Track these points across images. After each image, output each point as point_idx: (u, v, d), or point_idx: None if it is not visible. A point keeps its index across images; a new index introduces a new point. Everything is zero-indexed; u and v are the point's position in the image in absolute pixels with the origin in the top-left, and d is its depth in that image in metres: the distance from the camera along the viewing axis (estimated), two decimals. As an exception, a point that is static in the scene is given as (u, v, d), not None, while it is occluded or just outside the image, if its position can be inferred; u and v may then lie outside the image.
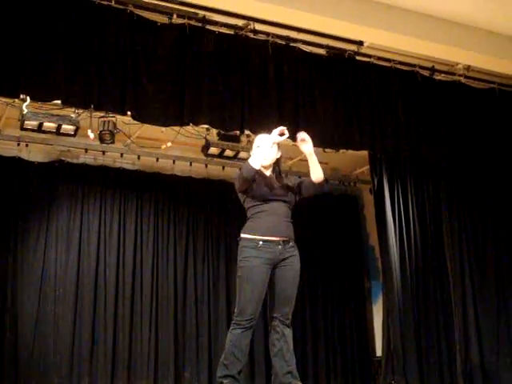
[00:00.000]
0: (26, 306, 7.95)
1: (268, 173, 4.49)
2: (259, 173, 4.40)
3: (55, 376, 7.85)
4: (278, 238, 4.25)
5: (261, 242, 4.22)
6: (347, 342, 9.71)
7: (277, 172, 4.54)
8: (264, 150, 4.31)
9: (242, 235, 4.32)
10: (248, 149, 4.58)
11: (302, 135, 4.37)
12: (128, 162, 8.95)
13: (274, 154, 4.47)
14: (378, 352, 9.19)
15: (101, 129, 7.68)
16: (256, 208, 4.31)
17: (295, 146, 6.48)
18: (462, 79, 7.63)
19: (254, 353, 8.51)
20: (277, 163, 4.55)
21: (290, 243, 4.33)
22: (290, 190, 4.44)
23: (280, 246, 4.25)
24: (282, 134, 4.32)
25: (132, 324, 8.45)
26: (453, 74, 7.61)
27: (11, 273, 7.97)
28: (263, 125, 6.35)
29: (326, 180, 4.54)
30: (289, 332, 4.27)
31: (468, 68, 7.58)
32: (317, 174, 4.38)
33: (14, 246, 8.07)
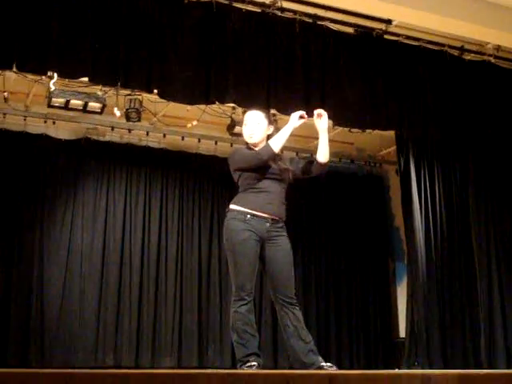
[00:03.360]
0: (52, 282, 8.05)
1: None
2: (251, 149, 4.37)
3: (81, 351, 7.96)
4: (267, 215, 4.19)
5: (249, 216, 4.16)
6: (371, 323, 9.70)
7: None
8: (287, 133, 4.24)
9: (231, 206, 4.26)
10: (278, 129, 4.49)
11: (319, 111, 4.32)
12: (154, 141, 8.98)
13: (263, 131, 4.38)
14: (402, 333, 9.16)
15: (127, 107, 7.72)
16: (250, 185, 4.24)
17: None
18: (492, 59, 7.50)
19: (277, 333, 8.57)
20: (269, 139, 4.38)
21: (280, 224, 4.26)
22: (286, 169, 4.34)
23: (268, 224, 4.18)
24: (301, 117, 4.29)
25: (156, 301, 8.53)
26: (482, 53, 7.49)
27: (38, 249, 8.07)
28: (289, 104, 6.32)
29: (327, 164, 4.41)
30: (298, 311, 4.20)
31: (498, 48, 7.45)
32: (324, 154, 4.32)
33: (41, 222, 8.17)
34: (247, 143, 4.44)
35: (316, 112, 4.32)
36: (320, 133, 4.33)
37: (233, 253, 4.17)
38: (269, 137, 4.41)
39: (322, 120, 4.31)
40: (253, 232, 4.14)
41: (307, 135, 9.11)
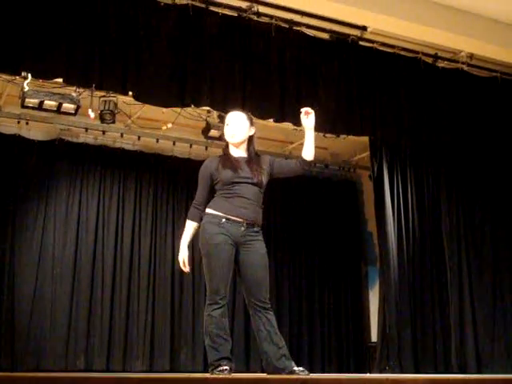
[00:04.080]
0: (23, 285, 7.96)
1: (240, 153, 4.36)
2: (226, 155, 4.35)
3: (51, 355, 7.88)
4: (241, 220, 4.17)
5: (223, 220, 4.15)
6: (343, 327, 9.75)
7: (251, 152, 4.40)
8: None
9: (207, 210, 4.24)
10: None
11: (306, 108, 4.31)
12: (128, 143, 8.94)
13: (245, 131, 4.37)
14: (374, 337, 9.23)
15: (101, 108, 7.68)
16: (223, 190, 4.23)
17: (295, 129, 6.49)
18: (465, 67, 7.61)
19: (249, 338, 8.57)
20: (250, 141, 4.40)
21: (255, 228, 4.24)
22: (260, 172, 4.30)
23: (243, 228, 4.17)
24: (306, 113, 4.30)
25: (128, 304, 8.48)
26: (456, 61, 7.59)
27: (9, 251, 7.98)
28: (265, 108, 6.35)
29: (312, 163, 4.41)
30: (271, 316, 4.20)
31: (471, 56, 7.57)
32: (309, 151, 4.30)
33: (13, 223, 8.07)
34: (226, 145, 4.42)
35: (303, 110, 4.30)
36: (306, 131, 4.31)
37: (207, 256, 4.16)
38: (250, 138, 4.42)
39: (309, 118, 4.29)
40: (227, 236, 4.14)
41: (283, 139, 9.17)
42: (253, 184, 4.25)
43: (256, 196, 4.26)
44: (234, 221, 4.17)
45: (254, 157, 4.37)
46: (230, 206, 4.18)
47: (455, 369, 7.47)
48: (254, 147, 4.45)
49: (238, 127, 4.35)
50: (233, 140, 4.36)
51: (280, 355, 4.11)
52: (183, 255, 4.25)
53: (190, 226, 4.29)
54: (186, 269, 4.25)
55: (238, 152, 4.37)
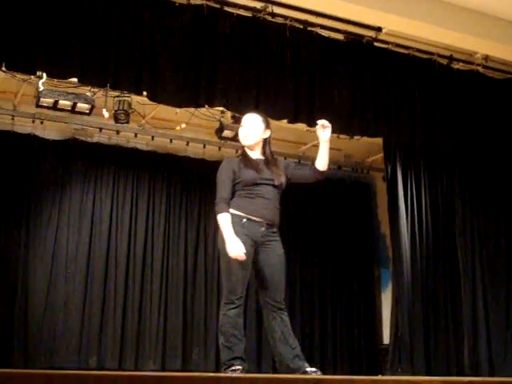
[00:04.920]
0: (36, 283, 8.00)
1: (255, 155, 4.43)
2: (246, 156, 4.39)
3: (64, 353, 7.91)
4: (262, 220, 4.22)
5: (244, 220, 4.19)
6: (355, 329, 9.72)
7: (268, 154, 4.46)
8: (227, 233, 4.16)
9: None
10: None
11: (323, 121, 4.35)
12: (142, 143, 8.96)
13: (258, 134, 4.42)
14: (386, 340, 9.19)
15: (116, 108, 7.70)
16: (244, 190, 4.26)
17: (309, 131, 6.48)
18: (480, 69, 7.56)
19: (261, 338, 8.56)
20: (265, 143, 4.47)
21: (274, 228, 4.30)
22: (280, 174, 4.36)
23: (263, 228, 4.22)
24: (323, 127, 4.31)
25: (141, 304, 8.50)
26: (471, 63, 7.54)
27: (23, 250, 8.02)
28: (278, 109, 6.34)
29: (325, 173, 4.44)
30: (286, 317, 4.24)
31: (486, 58, 7.51)
32: (323, 162, 4.35)
33: (27, 223, 8.11)
34: (242, 147, 4.47)
35: (320, 122, 4.36)
36: (321, 143, 4.36)
37: (226, 256, 4.17)
38: (265, 140, 4.42)
39: (325, 131, 4.34)
40: (248, 236, 4.17)
41: (296, 140, 9.15)
42: (273, 186, 4.30)
43: (275, 197, 4.33)
44: (255, 221, 4.21)
45: (271, 159, 4.42)
46: (252, 206, 4.22)
47: (467, 371, 7.43)
48: (270, 149, 4.49)
49: (251, 129, 4.40)
50: (245, 142, 4.42)
51: (294, 355, 4.13)
52: (239, 242, 4.09)
53: (228, 218, 4.18)
54: (244, 256, 4.11)
55: (254, 154, 4.42)
